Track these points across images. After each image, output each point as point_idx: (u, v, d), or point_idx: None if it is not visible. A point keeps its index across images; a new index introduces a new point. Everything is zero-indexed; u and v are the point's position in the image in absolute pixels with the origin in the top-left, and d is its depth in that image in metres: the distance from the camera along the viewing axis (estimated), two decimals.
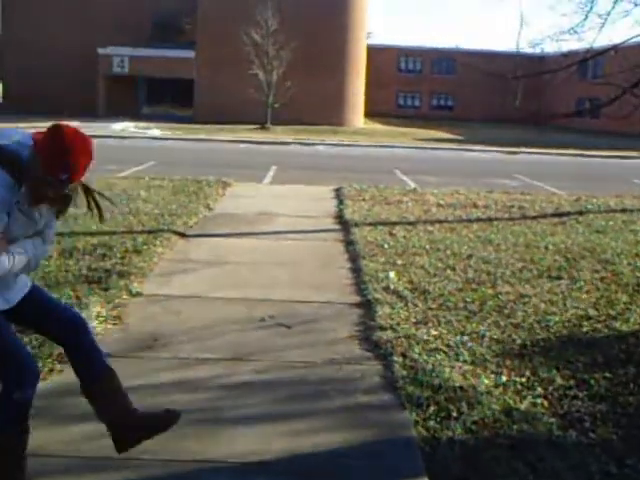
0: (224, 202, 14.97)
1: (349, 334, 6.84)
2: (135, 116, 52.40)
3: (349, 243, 10.94)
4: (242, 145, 35.92)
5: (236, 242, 11.03)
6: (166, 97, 57.82)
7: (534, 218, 13.90)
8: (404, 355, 6.20)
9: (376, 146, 37.72)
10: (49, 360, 5.76)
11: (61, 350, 5.95)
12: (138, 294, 7.87)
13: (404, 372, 5.83)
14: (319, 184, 18.58)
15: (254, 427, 4.87)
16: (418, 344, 6.46)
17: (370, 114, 59.67)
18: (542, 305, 7.92)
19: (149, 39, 56.18)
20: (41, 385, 5.36)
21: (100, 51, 54.99)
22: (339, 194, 16.38)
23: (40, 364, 5.62)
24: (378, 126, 55.66)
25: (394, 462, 4.57)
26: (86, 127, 42.39)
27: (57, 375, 5.62)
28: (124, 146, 33.04)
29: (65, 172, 3.62)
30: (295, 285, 8.56)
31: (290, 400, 5.32)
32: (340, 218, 13.26)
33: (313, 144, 37.25)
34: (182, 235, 11.11)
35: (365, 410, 5.23)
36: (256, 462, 4.41)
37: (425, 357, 6.14)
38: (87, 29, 56.34)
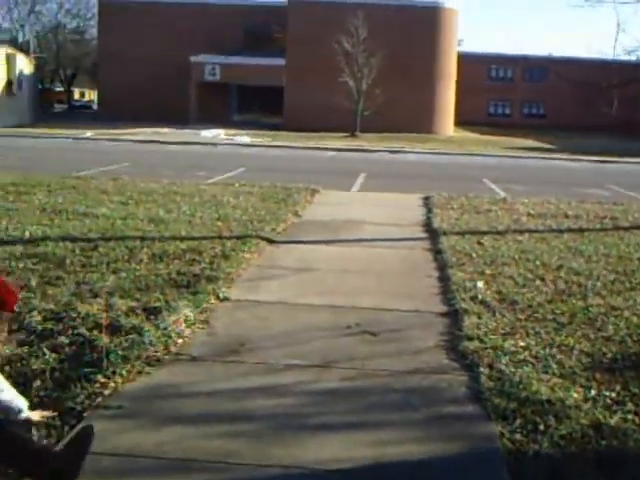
0: (312, 209, 15.04)
1: (435, 343, 6.79)
2: (226, 123, 53.07)
3: (437, 252, 10.86)
4: (331, 152, 36.07)
5: (323, 249, 11.07)
6: (256, 104, 58.44)
7: (627, 229, 13.58)
8: (491, 366, 6.12)
9: (466, 154, 37.48)
10: (138, 362, 5.86)
11: (151, 353, 6.07)
12: (226, 299, 7.96)
13: (490, 383, 5.75)
14: (408, 192, 18.52)
15: (338, 435, 4.87)
16: (505, 355, 6.37)
17: (460, 122, 59.28)
18: (634, 318, 7.72)
19: (241, 47, 56.86)
20: (130, 387, 5.49)
21: (192, 59, 55.87)
22: (427, 202, 16.31)
23: (129, 366, 5.74)
24: (468, 134, 55.27)
25: (479, 475, 4.52)
26: (177, 134, 43.29)
27: (145, 377, 5.72)
28: (214, 153, 33.51)
29: None
30: (381, 293, 8.54)
31: (375, 409, 5.30)
32: (428, 226, 13.20)
33: (402, 152, 37.18)
34: (270, 241, 11.19)
35: (450, 421, 5.18)
36: (340, 470, 4.41)
37: (512, 369, 6.05)
38: (180, 38, 57.34)
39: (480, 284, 8.77)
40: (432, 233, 12.46)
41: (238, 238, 10.99)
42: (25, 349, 5.98)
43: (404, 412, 5.26)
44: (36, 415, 4.60)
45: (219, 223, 12.34)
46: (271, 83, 54.70)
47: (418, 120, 52.70)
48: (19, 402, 4.43)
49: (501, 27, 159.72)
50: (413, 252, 11.06)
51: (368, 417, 5.16)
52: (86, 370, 5.63)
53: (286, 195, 16.28)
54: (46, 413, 4.70)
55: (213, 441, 4.69)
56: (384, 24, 49.50)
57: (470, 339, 6.78)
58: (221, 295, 8.01)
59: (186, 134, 43.62)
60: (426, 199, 16.85)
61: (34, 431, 4.60)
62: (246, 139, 42.14)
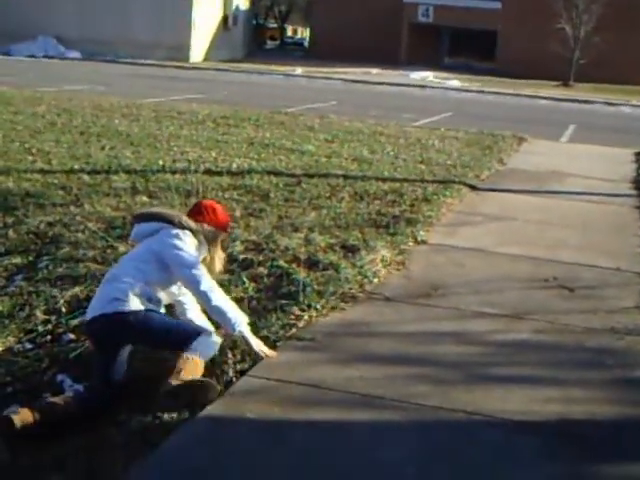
0: (517, 158, 14.75)
1: (635, 304, 6.55)
2: (435, 66, 52.58)
3: None
4: (542, 101, 35.10)
5: (526, 199, 10.86)
6: (468, 48, 57.47)
7: None
8: None
9: None
10: (332, 298, 5.99)
11: (346, 290, 6.19)
12: (423, 242, 7.97)
13: None
14: (619, 146, 17.78)
15: (525, 387, 4.81)
16: None
17: None
18: None
19: None
20: (323, 321, 5.63)
21: (406, 0, 55.47)
22: None
23: (324, 301, 5.88)
24: None
25: None
26: (386, 75, 43.31)
27: (338, 312, 5.84)
28: (422, 96, 33.36)
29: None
30: (582, 248, 8.30)
31: (564, 365, 5.20)
32: (639, 183, 12.66)
33: (618, 104, 35.59)
34: (472, 188, 11.09)
35: None
36: (526, 422, 4.37)
37: None
38: None
39: None
40: None
41: (440, 182, 10.96)
42: (226, 276, 6.23)
43: (595, 371, 5.13)
44: (257, 343, 4.84)
45: (422, 166, 12.34)
46: (485, 27, 53.57)
47: (638, 71, 50.17)
48: (237, 316, 4.72)
49: None
50: (620, 209, 10.66)
51: (557, 372, 5.07)
52: (282, 302, 5.82)
53: (492, 142, 16.03)
54: (267, 352, 4.89)
55: (398, 381, 4.75)
56: None
57: None
58: (419, 238, 8.03)
59: (395, 75, 43.56)
60: (638, 155, 16.13)
61: (230, 354, 4.82)
62: (455, 83, 41.60)
